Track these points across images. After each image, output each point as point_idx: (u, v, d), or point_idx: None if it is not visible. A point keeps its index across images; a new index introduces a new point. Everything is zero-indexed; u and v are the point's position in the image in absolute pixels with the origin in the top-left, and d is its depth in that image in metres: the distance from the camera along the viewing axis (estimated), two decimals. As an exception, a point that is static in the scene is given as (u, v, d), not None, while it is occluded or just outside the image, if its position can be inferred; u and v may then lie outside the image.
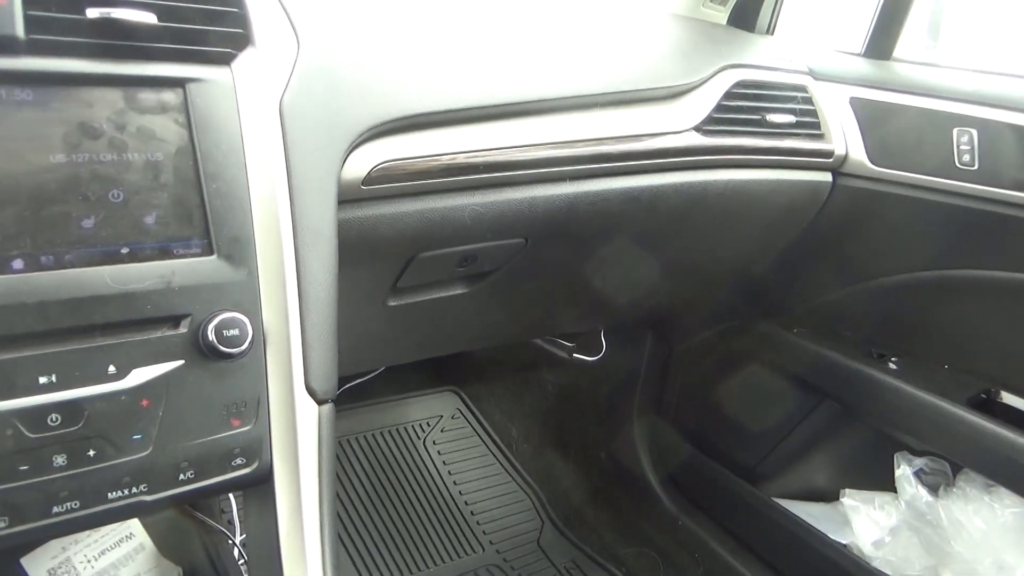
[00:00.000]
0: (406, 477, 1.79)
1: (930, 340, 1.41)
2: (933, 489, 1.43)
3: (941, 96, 1.23)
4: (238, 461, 0.67)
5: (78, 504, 0.60)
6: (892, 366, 1.41)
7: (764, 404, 1.63)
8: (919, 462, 1.45)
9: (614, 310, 1.57)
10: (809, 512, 1.54)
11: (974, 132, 1.18)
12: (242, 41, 0.70)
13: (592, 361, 1.87)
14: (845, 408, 1.51)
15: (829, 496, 1.59)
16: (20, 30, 0.58)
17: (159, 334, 0.63)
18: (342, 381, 0.75)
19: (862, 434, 1.55)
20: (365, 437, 1.83)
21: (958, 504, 1.37)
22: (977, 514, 1.34)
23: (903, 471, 1.45)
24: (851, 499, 1.50)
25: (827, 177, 1.29)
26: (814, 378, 1.52)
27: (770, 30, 1.48)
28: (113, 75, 0.62)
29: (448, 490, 1.80)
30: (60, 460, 0.59)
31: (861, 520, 1.47)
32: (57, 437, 0.58)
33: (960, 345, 1.37)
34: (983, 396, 1.34)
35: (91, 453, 0.60)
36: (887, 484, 1.48)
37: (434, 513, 1.74)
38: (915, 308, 1.39)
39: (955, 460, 1.41)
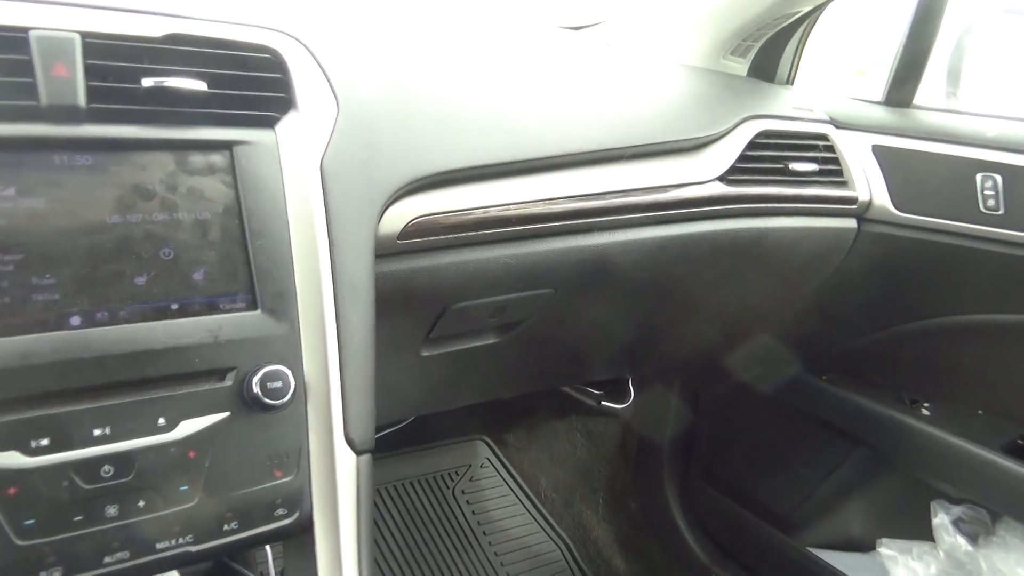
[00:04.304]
0: (436, 527, 1.78)
1: (962, 385, 1.40)
2: (972, 538, 1.40)
3: (963, 142, 1.24)
4: (280, 511, 0.69)
5: (128, 554, 0.61)
6: (925, 412, 1.40)
7: (795, 451, 1.61)
8: (957, 510, 1.42)
9: (641, 358, 1.57)
10: (845, 563, 1.50)
11: (998, 177, 1.19)
12: (286, 105, 0.74)
13: (620, 409, 1.87)
14: (878, 455, 1.49)
15: (865, 545, 1.56)
16: (82, 100, 0.62)
17: (206, 387, 0.65)
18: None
19: (897, 481, 1.52)
20: (395, 487, 1.83)
21: (999, 553, 1.34)
22: (1019, 564, 1.30)
23: (940, 520, 1.42)
24: (888, 548, 1.47)
25: (852, 223, 1.30)
26: (846, 424, 1.51)
27: (790, 80, 1.50)
28: (166, 140, 0.66)
29: (478, 540, 1.79)
30: (112, 511, 0.60)
31: (900, 571, 1.44)
32: (109, 488, 0.60)
33: (993, 390, 1.35)
34: (1020, 441, 1.32)
35: (141, 504, 0.62)
36: (924, 532, 1.45)
37: (464, 563, 1.73)
38: (945, 353, 1.38)
39: (993, 507, 1.39)
